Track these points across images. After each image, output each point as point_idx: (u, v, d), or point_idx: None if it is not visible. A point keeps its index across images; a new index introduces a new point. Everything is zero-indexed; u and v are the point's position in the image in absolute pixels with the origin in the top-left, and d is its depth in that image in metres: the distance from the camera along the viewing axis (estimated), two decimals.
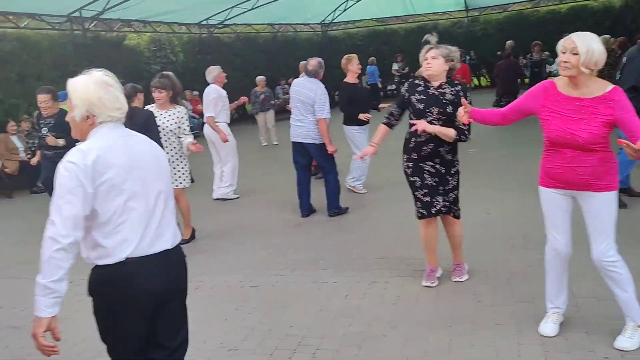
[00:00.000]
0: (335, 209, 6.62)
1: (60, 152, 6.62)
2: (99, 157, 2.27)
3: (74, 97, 2.38)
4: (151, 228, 2.40)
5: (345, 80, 7.29)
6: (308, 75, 6.56)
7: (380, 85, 18.10)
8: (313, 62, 6.53)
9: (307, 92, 6.46)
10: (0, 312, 4.54)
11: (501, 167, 8.42)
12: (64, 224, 2.20)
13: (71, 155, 2.27)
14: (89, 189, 2.24)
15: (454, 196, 4.31)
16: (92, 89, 2.37)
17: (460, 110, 3.55)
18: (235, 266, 5.29)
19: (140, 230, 2.36)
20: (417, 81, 4.31)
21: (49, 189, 6.72)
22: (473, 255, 4.78)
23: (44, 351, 2.29)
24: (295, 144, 6.67)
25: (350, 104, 7.31)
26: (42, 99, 6.54)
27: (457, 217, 4.39)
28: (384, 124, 4.45)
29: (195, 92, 14.74)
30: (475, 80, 20.84)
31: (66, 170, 2.24)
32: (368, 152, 4.52)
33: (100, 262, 2.34)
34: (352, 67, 7.16)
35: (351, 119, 7.30)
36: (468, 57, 17.07)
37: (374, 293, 4.40)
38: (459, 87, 4.19)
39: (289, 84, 14.48)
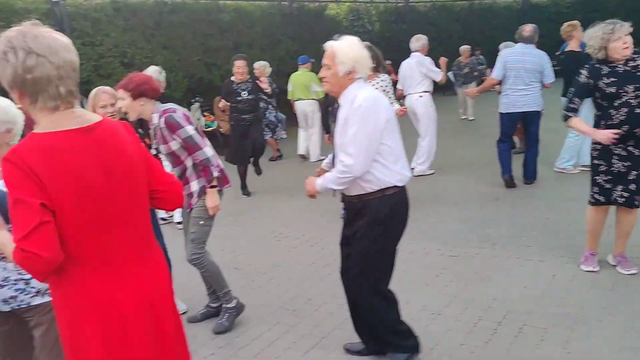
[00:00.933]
0: (534, 178, 6.73)
1: (255, 114, 7.28)
2: (383, 100, 2.87)
3: (341, 55, 2.80)
4: None
5: (569, 48, 6.80)
6: (524, 42, 6.37)
7: None
8: (528, 28, 6.36)
9: (532, 59, 6.34)
10: (223, 253, 5.10)
11: None
12: (360, 159, 2.75)
13: (365, 100, 2.76)
14: (381, 126, 2.78)
15: None
16: (357, 48, 2.83)
17: None
18: (433, 234, 5.32)
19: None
20: (596, 65, 3.91)
21: (242, 156, 7.40)
22: None
23: (309, 192, 3.08)
24: (511, 114, 6.50)
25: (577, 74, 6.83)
26: (241, 64, 7.21)
27: (638, 206, 3.99)
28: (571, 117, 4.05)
29: (388, 62, 14.84)
30: None
31: (369, 111, 2.75)
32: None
33: (394, 184, 2.88)
34: (577, 34, 6.66)
35: None
36: None
37: (584, 276, 4.15)
38: None
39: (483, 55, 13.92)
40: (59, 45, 1.71)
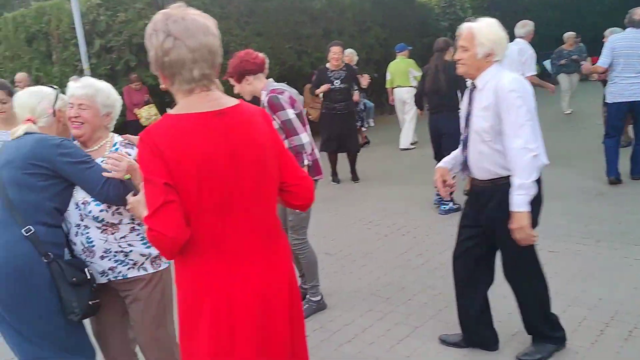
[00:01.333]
0: None
1: (347, 103, 7.19)
2: (527, 82, 2.79)
3: (480, 36, 2.75)
4: None
5: None
6: (635, 27, 5.95)
7: None
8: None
9: None
10: (315, 239, 5.10)
11: None
12: (530, 137, 2.68)
13: (513, 82, 2.73)
14: (534, 106, 2.76)
15: None
16: (498, 29, 2.76)
17: None
18: None
19: None
20: None
21: (340, 145, 7.40)
22: None
23: (529, 240, 2.75)
24: (620, 104, 6.11)
25: None
26: (337, 50, 7.14)
27: None
28: None
29: None
30: None
31: (522, 92, 2.72)
32: None
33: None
34: None
35: None
36: None
37: None
38: None
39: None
40: (197, 28, 1.68)
